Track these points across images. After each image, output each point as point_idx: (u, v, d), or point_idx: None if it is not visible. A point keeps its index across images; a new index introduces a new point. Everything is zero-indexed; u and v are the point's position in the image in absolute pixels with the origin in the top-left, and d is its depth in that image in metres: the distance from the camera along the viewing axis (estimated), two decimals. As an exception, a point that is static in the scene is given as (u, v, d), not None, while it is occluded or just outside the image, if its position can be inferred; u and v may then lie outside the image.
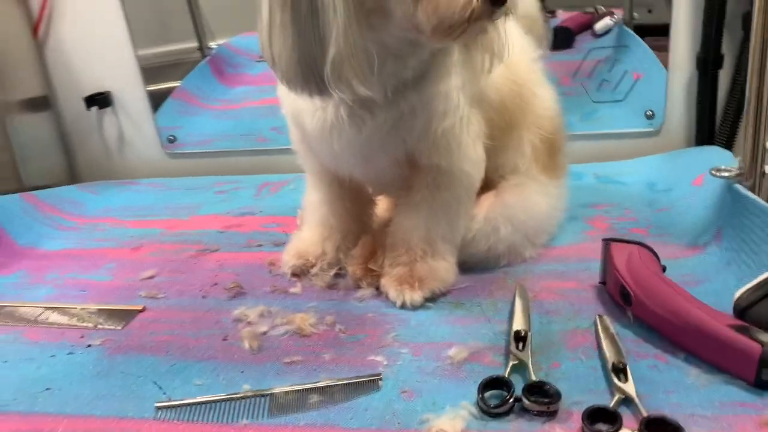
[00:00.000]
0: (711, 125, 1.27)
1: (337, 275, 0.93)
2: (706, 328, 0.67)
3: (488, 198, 0.92)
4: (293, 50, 0.68)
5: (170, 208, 1.30)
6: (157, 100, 1.55)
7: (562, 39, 1.61)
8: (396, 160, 0.83)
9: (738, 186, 0.88)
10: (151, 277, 1.01)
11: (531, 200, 0.93)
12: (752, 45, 0.84)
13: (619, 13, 1.54)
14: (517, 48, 0.89)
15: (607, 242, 0.83)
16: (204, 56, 1.75)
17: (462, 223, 0.88)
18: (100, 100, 1.49)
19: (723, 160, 1.02)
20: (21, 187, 1.38)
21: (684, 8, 1.23)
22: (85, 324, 0.89)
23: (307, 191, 0.98)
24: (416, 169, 0.84)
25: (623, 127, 1.35)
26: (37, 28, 1.46)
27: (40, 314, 0.92)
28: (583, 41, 1.61)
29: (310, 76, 0.69)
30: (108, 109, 1.52)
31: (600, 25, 1.59)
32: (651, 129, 1.33)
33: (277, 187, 1.36)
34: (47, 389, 0.75)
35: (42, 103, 1.49)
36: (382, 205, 1.01)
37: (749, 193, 0.85)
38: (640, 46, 1.44)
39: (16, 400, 0.73)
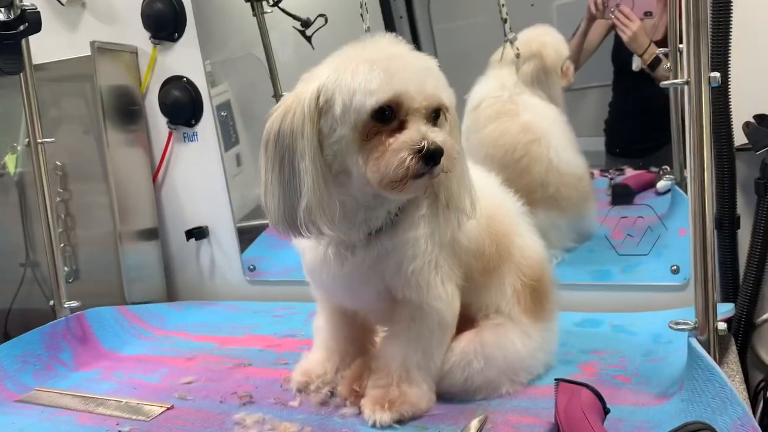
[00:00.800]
0: (734, 282, 1.30)
1: (332, 393, 1.07)
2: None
3: (469, 334, 1.03)
4: (279, 202, 0.88)
5: (233, 326, 1.51)
6: (249, 234, 1.81)
7: (621, 195, 1.71)
8: (377, 293, 0.98)
9: (692, 339, 0.93)
10: (190, 383, 1.19)
11: (507, 340, 1.02)
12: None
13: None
14: (493, 202, 1.04)
15: (558, 382, 0.91)
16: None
17: (437, 354, 0.99)
18: (197, 233, 1.78)
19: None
20: (123, 303, 1.66)
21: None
22: (124, 414, 1.08)
23: (316, 317, 1.14)
24: (395, 302, 0.98)
25: (648, 281, 1.40)
26: (156, 174, 1.81)
27: (95, 404, 1.13)
28: (645, 198, 1.69)
29: (291, 222, 0.88)
30: (204, 241, 1.81)
31: (662, 184, 1.67)
32: (677, 283, 1.37)
33: (326, 315, 1.53)
34: (74, 461, 0.94)
35: (151, 233, 1.81)
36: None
37: (698, 347, 0.90)
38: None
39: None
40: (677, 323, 0.95)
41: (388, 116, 0.85)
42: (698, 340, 0.92)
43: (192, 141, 1.76)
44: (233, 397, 1.11)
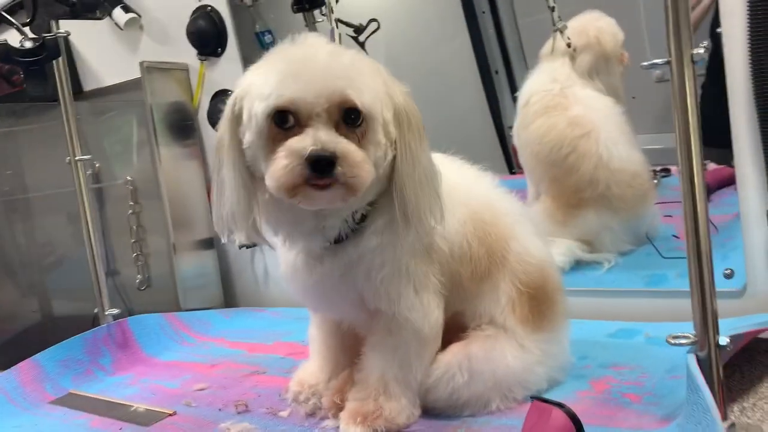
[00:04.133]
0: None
1: (320, 404, 1.04)
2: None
3: (456, 346, 0.96)
4: (216, 208, 0.89)
5: (267, 333, 1.53)
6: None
7: (697, 192, 1.56)
8: (351, 302, 0.95)
9: (689, 355, 0.81)
10: (202, 389, 1.22)
11: (497, 352, 0.95)
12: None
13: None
14: (480, 202, 0.97)
15: (533, 400, 0.83)
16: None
17: (416, 366, 0.94)
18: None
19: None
20: (177, 310, 1.74)
21: (749, 159, 1.16)
22: (128, 420, 1.12)
23: (310, 326, 1.12)
24: (371, 312, 0.94)
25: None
26: (211, 185, 1.87)
27: (108, 408, 1.18)
28: (723, 195, 1.53)
29: (220, 228, 0.89)
30: (256, 249, 1.85)
31: None
32: (732, 289, 1.22)
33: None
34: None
35: (207, 243, 1.88)
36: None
37: (693, 364, 0.78)
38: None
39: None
40: (675, 336, 0.84)
41: (288, 121, 0.81)
42: (697, 356, 0.80)
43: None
44: (231, 406, 1.12)
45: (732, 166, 1.50)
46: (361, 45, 2.00)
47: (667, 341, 0.85)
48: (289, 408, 1.06)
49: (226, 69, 1.77)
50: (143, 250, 1.94)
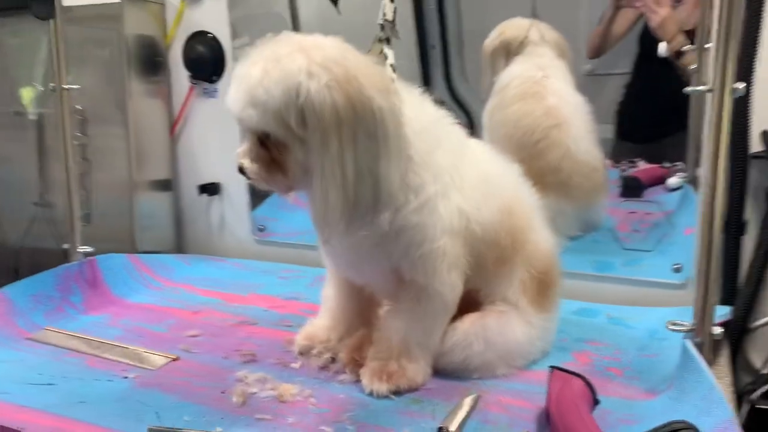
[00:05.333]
0: (733, 285, 1.32)
1: (333, 359, 1.10)
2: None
3: (473, 316, 1.05)
4: None
5: (238, 284, 1.55)
6: (260, 194, 1.84)
7: (631, 188, 1.72)
8: (382, 271, 1.01)
9: (686, 341, 0.95)
10: (195, 336, 1.23)
11: (509, 326, 1.05)
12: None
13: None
14: (512, 195, 1.05)
15: (552, 369, 0.94)
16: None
17: (436, 333, 1.02)
18: (210, 189, 1.81)
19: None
20: (134, 250, 1.70)
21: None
22: (130, 362, 1.12)
23: (325, 285, 1.17)
24: (403, 282, 1.01)
25: (649, 276, 1.42)
26: (174, 126, 1.82)
27: (102, 348, 1.17)
28: (655, 193, 1.70)
29: None
30: (215, 197, 1.83)
31: (673, 181, 1.68)
32: (676, 281, 1.40)
33: (330, 281, 1.56)
34: (81, 402, 0.98)
35: (165, 185, 1.83)
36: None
37: (692, 349, 0.92)
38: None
39: (56, 404, 0.97)
40: (674, 323, 0.98)
41: None
42: (693, 342, 0.95)
43: (212, 97, 1.77)
44: (236, 354, 1.14)
45: (664, 167, 1.70)
46: (334, 2, 2.02)
47: (667, 327, 0.99)
48: (300, 361, 1.11)
49: (209, 10, 1.71)
50: (86, 185, 1.86)
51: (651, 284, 1.42)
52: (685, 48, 1.46)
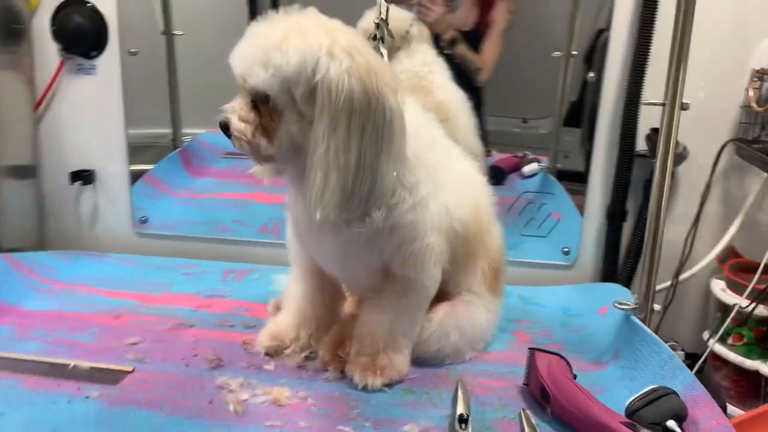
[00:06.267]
0: (614, 266, 1.54)
1: (306, 358, 1.09)
2: (605, 423, 0.88)
3: (444, 307, 1.10)
4: None
5: (142, 283, 1.42)
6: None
7: (494, 176, 1.88)
8: (372, 269, 1.02)
9: (634, 318, 1.11)
10: (135, 344, 1.12)
11: (476, 314, 1.13)
12: (651, 207, 1.09)
13: (544, 160, 1.83)
14: (480, 192, 1.12)
15: (533, 351, 1.04)
16: (175, 146, 1.92)
17: (418, 324, 1.07)
18: (85, 177, 1.62)
19: (623, 295, 1.27)
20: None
21: (599, 171, 1.52)
22: (80, 379, 0.99)
23: (290, 282, 1.14)
24: (388, 277, 1.03)
25: (544, 259, 1.60)
26: (38, 105, 1.60)
27: (34, 365, 1.02)
28: (514, 180, 1.88)
29: None
30: (89, 186, 1.65)
31: (527, 169, 1.86)
32: (566, 263, 1.59)
33: (242, 275, 1.50)
34: (54, 430, 0.85)
35: (27, 171, 1.60)
36: (348, 302, 1.19)
37: (642, 325, 1.09)
38: (561, 192, 1.72)
39: (27, 437, 0.84)
40: (620, 303, 1.13)
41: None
42: (639, 318, 1.11)
43: (88, 74, 1.58)
44: (198, 360, 1.08)
45: (517, 156, 1.90)
46: None
47: (614, 305, 1.14)
48: (272, 362, 1.08)
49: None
50: None
51: (545, 266, 1.60)
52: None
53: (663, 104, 1.04)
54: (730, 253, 1.50)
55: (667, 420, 0.89)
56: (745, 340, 1.36)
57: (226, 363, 1.07)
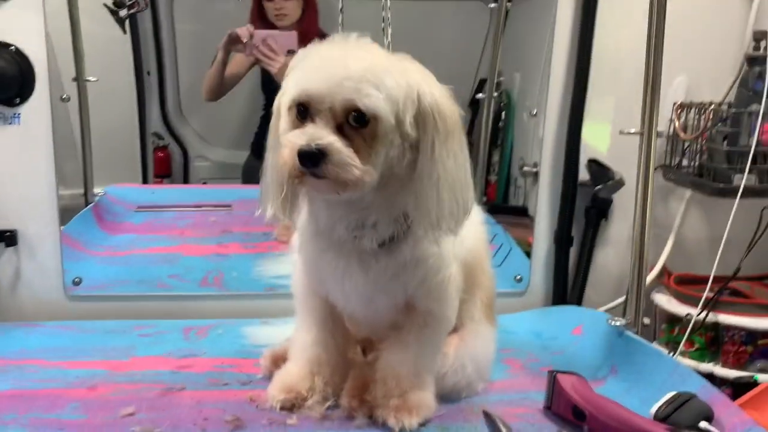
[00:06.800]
0: (564, 289, 1.63)
1: (330, 407, 1.04)
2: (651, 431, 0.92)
3: (454, 339, 1.10)
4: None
5: (98, 350, 1.28)
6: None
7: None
8: (395, 304, 1.01)
9: (629, 333, 1.18)
10: (132, 414, 1.01)
11: (485, 343, 1.14)
12: (634, 232, 1.18)
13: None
14: (480, 221, 1.15)
15: (553, 373, 1.07)
16: (87, 203, 1.78)
17: (439, 358, 1.06)
18: (7, 238, 1.44)
19: (584, 315, 1.35)
20: None
21: (545, 201, 1.62)
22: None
23: (298, 331, 1.08)
24: (410, 311, 1.02)
25: (499, 288, 1.64)
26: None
27: (32, 453, 0.88)
28: None
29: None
30: (10, 249, 1.47)
31: None
32: (519, 290, 1.65)
33: (203, 331, 1.40)
34: None
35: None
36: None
37: (640, 338, 1.16)
38: (495, 225, 1.79)
39: None
40: (614, 319, 1.20)
41: (303, 114, 0.87)
42: (633, 332, 1.18)
43: (11, 123, 1.43)
44: (212, 423, 0.99)
45: None
46: (120, 22, 1.86)
47: (608, 322, 1.20)
48: (293, 416, 1.01)
49: (12, 17, 1.38)
50: None
51: (501, 294, 1.64)
52: None
53: (641, 133, 1.13)
54: (663, 268, 1.65)
55: (699, 422, 0.95)
56: (696, 345, 1.49)
57: (247, 423, 0.99)
